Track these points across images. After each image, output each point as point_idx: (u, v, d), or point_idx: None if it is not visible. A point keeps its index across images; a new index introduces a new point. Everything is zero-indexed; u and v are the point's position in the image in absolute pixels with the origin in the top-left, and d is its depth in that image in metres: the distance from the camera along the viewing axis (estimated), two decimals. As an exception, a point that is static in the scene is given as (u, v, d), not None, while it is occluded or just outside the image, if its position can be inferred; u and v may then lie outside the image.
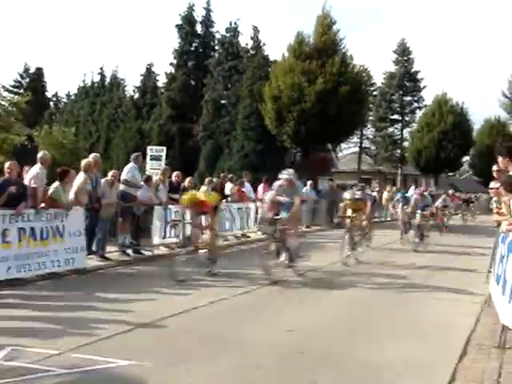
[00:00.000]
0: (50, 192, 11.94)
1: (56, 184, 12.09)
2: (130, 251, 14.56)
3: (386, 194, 33.88)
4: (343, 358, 6.77)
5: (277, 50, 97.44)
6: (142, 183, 15.26)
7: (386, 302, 10.28)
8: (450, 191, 36.61)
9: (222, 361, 6.53)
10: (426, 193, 21.51)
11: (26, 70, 71.91)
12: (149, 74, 58.05)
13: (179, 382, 5.89)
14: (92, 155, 14.31)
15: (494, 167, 10.10)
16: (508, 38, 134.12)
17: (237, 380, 5.99)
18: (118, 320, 8.06)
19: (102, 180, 14.11)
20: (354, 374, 6.28)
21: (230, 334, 7.68)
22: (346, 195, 15.64)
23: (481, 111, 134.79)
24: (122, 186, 14.80)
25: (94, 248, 13.46)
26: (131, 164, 15.17)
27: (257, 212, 21.17)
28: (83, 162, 13.52)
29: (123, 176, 14.86)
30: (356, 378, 6.15)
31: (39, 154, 12.30)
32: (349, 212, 15.20)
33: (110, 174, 14.32)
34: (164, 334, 7.58)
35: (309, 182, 26.55)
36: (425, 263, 15.23)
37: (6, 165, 11.11)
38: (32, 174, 11.71)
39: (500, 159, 8.61)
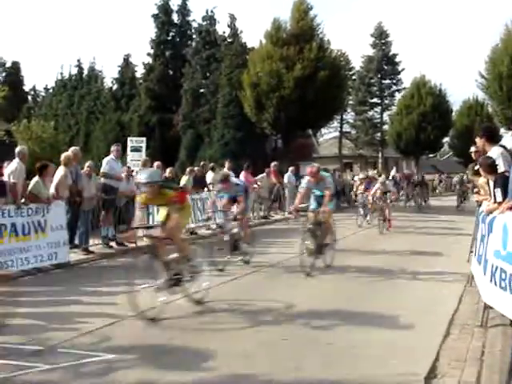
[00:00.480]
0: (29, 187, 11.87)
1: (36, 179, 12.02)
2: (113, 244, 14.52)
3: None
4: (328, 344, 6.81)
5: (254, 37, 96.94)
6: (123, 175, 15.18)
7: (369, 286, 10.33)
8: (405, 171, 35.29)
9: (206, 351, 6.53)
10: (325, 173, 12.97)
11: (2, 64, 71.08)
12: (126, 65, 57.64)
13: (164, 373, 5.88)
14: (72, 149, 14.21)
15: (472, 148, 10.21)
16: (483, 19, 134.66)
17: (223, 369, 6.00)
18: (102, 313, 8.06)
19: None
20: (338, 358, 6.32)
21: (214, 325, 7.70)
22: (141, 176, 8.61)
23: (459, 92, 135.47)
24: (102, 179, 14.74)
25: (76, 241, 13.42)
26: (109, 156, 15.13)
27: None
28: (63, 156, 13.43)
29: (102, 169, 14.82)
30: (339, 362, 6.19)
31: (17, 149, 12.20)
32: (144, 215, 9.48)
33: (86, 165, 14.25)
34: (148, 327, 7.55)
35: (290, 168, 26.61)
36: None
37: None
38: (11, 170, 11.60)
39: (477, 140, 8.70)
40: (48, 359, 6.10)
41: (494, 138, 8.67)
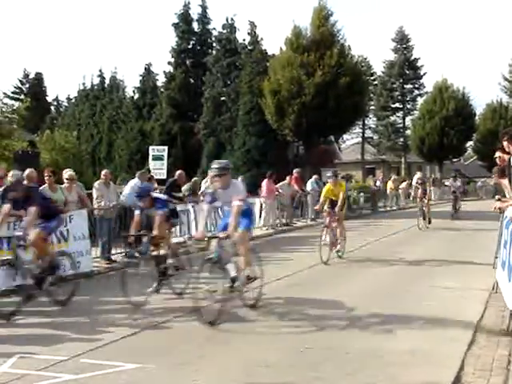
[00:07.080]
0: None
1: (44, 186, 12.11)
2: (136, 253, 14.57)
3: (390, 184, 33.95)
4: (348, 350, 6.74)
5: (274, 44, 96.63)
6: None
7: (393, 291, 10.24)
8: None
9: (230, 359, 6.52)
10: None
11: (26, 75, 72.08)
12: (148, 74, 57.85)
13: (186, 383, 5.88)
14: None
15: (497, 154, 10.02)
16: (507, 22, 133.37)
17: (245, 378, 5.97)
18: (126, 323, 8.06)
19: (97, 182, 14.42)
20: (359, 365, 6.26)
21: (237, 333, 7.68)
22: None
23: (482, 95, 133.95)
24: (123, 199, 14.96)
25: (99, 251, 13.51)
26: (137, 180, 15.23)
27: (261, 208, 21.24)
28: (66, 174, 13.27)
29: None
30: (361, 370, 6.12)
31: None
32: None
33: (103, 173, 14.36)
34: (171, 335, 7.57)
35: (314, 176, 26.59)
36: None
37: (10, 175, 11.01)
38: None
39: (505, 144, 8.49)
40: (70, 369, 6.12)
41: None
